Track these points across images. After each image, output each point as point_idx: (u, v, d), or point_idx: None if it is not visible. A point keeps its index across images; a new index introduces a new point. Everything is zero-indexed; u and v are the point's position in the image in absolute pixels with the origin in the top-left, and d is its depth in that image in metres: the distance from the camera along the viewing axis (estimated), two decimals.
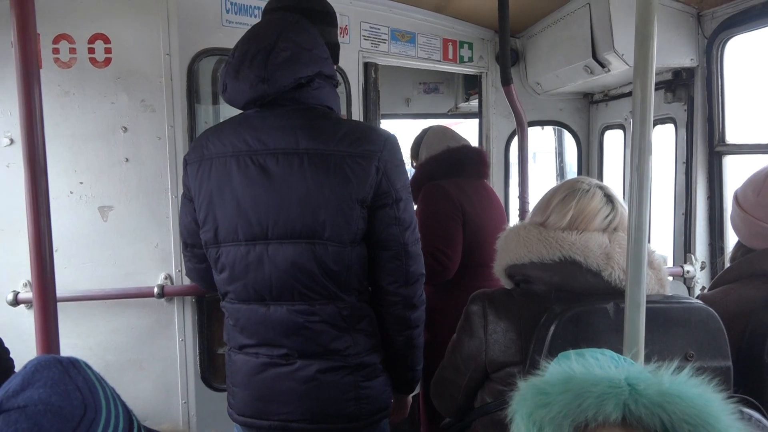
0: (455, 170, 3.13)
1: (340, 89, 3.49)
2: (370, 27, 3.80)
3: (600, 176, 4.51)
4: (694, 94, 3.33)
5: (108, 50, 2.89)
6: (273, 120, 1.95)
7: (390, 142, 1.97)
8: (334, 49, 2.14)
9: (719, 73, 3.22)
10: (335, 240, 1.91)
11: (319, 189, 1.88)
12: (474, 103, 5.52)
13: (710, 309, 1.75)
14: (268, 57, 1.87)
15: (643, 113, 1.53)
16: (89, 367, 1.06)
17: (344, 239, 1.92)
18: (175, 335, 3.03)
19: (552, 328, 1.68)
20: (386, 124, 6.47)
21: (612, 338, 1.67)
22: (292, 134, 1.92)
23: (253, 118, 1.97)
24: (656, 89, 3.47)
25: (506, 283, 1.93)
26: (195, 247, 2.14)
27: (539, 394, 0.96)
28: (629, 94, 3.94)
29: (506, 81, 3.55)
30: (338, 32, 2.20)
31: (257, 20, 3.16)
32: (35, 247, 1.76)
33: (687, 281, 3.45)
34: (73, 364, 1.03)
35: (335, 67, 2.12)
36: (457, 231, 2.98)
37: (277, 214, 1.91)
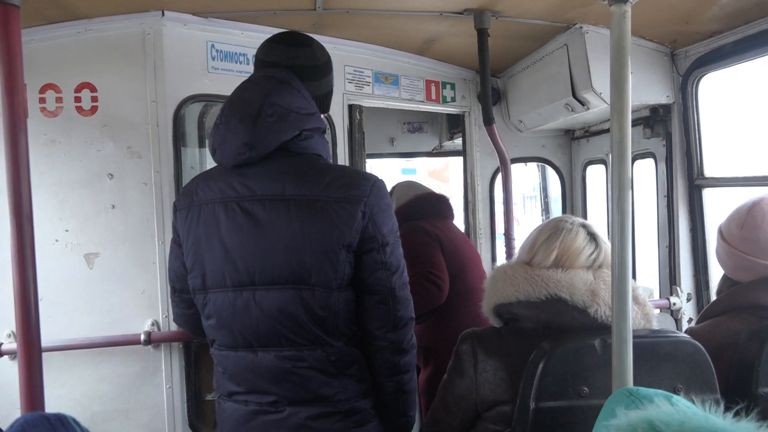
0: (424, 212, 3.47)
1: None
2: (354, 70, 3.87)
3: (584, 210, 4.56)
4: (671, 129, 3.41)
5: (94, 98, 2.93)
6: (261, 167, 1.96)
7: (377, 186, 1.97)
8: (324, 100, 2.15)
9: (695, 109, 3.31)
10: (322, 285, 1.91)
11: (305, 235, 1.89)
12: (458, 141, 5.57)
13: (696, 343, 1.77)
14: (254, 124, 1.89)
15: (621, 152, 1.58)
16: (77, 423, 1.05)
17: (331, 284, 1.92)
18: (163, 382, 2.99)
19: (541, 366, 1.69)
20: (372, 164, 6.52)
21: (600, 374, 1.68)
22: (279, 181, 1.93)
23: (242, 167, 1.98)
24: (635, 125, 3.55)
25: (495, 322, 1.95)
26: (183, 292, 2.13)
27: (652, 430, 0.97)
28: (609, 130, 4.03)
29: (488, 120, 3.61)
30: (332, 78, 2.18)
31: (242, 66, 3.26)
32: (20, 296, 1.75)
33: (674, 313, 3.47)
34: (61, 421, 1.02)
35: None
36: (440, 257, 3.19)
37: (264, 260, 1.91)
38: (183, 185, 2.97)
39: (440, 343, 3.04)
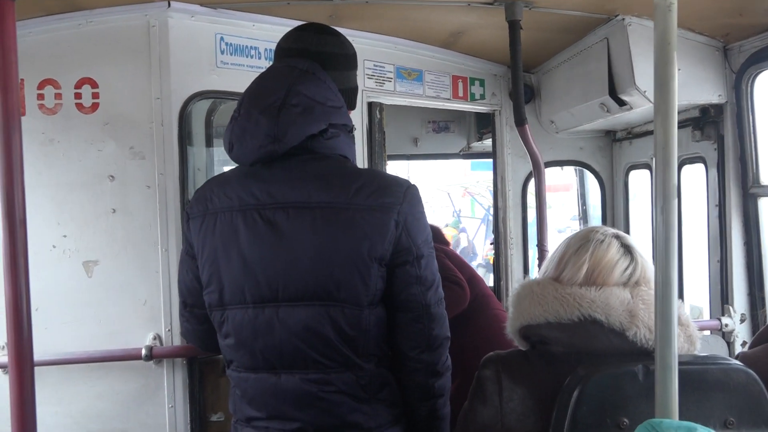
0: None
1: None
2: (374, 65, 3.87)
3: (626, 220, 4.50)
4: (723, 131, 3.34)
5: (95, 95, 2.96)
6: (283, 172, 1.95)
7: (410, 193, 1.96)
8: (350, 95, 2.14)
9: (750, 109, 3.24)
10: (351, 302, 1.90)
11: (333, 246, 1.88)
12: (487, 142, 5.55)
13: (750, 371, 1.71)
14: (278, 115, 1.88)
15: (666, 157, 1.54)
16: None
17: (361, 301, 1.91)
18: (165, 401, 3.00)
19: (576, 393, 1.65)
20: (393, 166, 6.51)
21: (642, 404, 1.64)
22: (303, 187, 1.92)
23: (261, 170, 1.97)
24: (683, 127, 3.49)
25: (521, 345, 1.91)
26: (195, 307, 2.12)
27: None
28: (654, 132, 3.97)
29: (520, 121, 3.58)
30: (356, 74, 2.20)
31: (253, 61, 3.28)
32: (12, 306, 1.77)
33: (726, 336, 3.40)
34: None
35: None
36: (452, 265, 3.33)
37: (288, 274, 1.89)
38: (189, 188, 3.02)
39: (466, 353, 3.02)
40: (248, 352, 1.96)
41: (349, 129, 2.06)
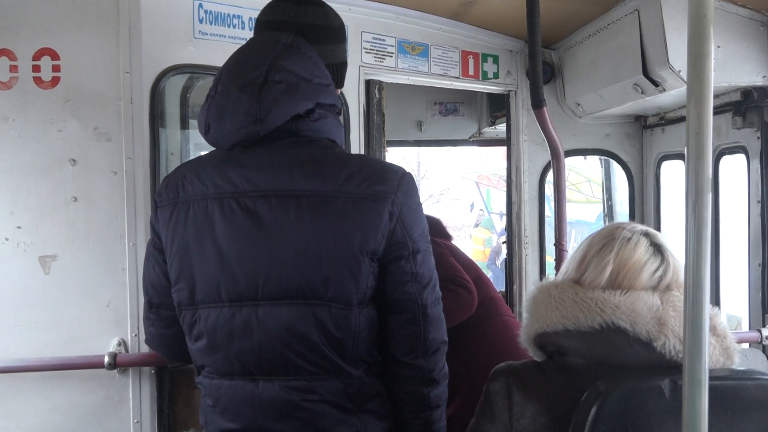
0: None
1: None
2: (374, 38, 3.87)
3: (657, 217, 4.51)
4: None
5: (56, 68, 2.95)
6: (265, 156, 1.97)
7: (405, 181, 1.99)
8: (339, 71, 2.17)
9: None
10: (340, 301, 1.92)
11: (320, 239, 1.90)
12: (501, 127, 5.57)
13: None
14: (259, 92, 1.90)
15: (699, 145, 1.54)
16: None
17: (351, 300, 1.93)
18: (130, 415, 3.00)
19: (594, 410, 1.66)
20: (394, 153, 6.52)
21: (668, 423, 1.65)
22: (287, 173, 1.94)
23: (240, 154, 2.00)
24: (721, 112, 3.50)
25: (536, 355, 1.92)
26: (162, 307, 2.14)
27: None
28: None
29: (537, 103, 3.58)
30: (346, 48, 2.23)
31: (236, 31, 3.28)
32: None
33: (766, 349, 3.41)
34: None
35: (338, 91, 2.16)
36: (457, 264, 3.31)
37: (269, 269, 1.92)
38: (160, 175, 3.01)
39: (472, 363, 3.06)
40: (222, 356, 1.98)
41: (338, 110, 2.09)
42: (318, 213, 1.91)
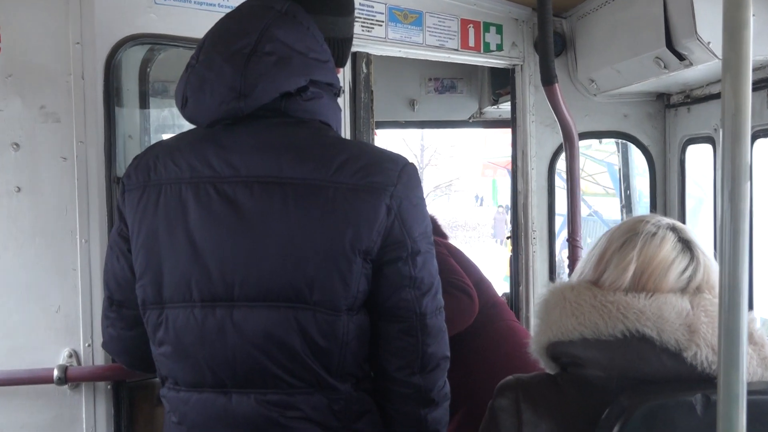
0: None
1: None
2: (360, 4, 3.86)
3: (681, 208, 4.53)
4: None
5: None
6: (248, 137, 1.98)
7: (407, 172, 2.00)
8: (341, 47, 2.18)
9: None
10: (326, 305, 1.93)
11: (307, 233, 1.91)
12: (505, 106, 5.56)
13: None
14: (246, 63, 1.91)
15: (737, 127, 1.54)
16: None
17: (339, 304, 1.94)
18: None
19: (617, 429, 1.66)
20: (383, 135, 6.51)
21: None
22: (273, 157, 1.95)
23: (221, 134, 2.00)
24: (757, 89, 3.51)
25: (548, 367, 1.93)
26: (124, 305, 2.14)
27: None
28: (719, 95, 3.98)
29: (548, 79, 3.58)
30: (352, 23, 2.24)
31: None
32: None
33: None
34: None
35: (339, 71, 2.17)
36: (457, 266, 3.35)
37: (248, 266, 1.92)
38: (117, 161, 3.00)
39: (474, 374, 3.10)
40: (191, 364, 1.98)
41: (336, 90, 2.10)
42: (306, 204, 1.91)
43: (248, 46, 1.92)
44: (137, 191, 2.04)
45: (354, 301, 1.96)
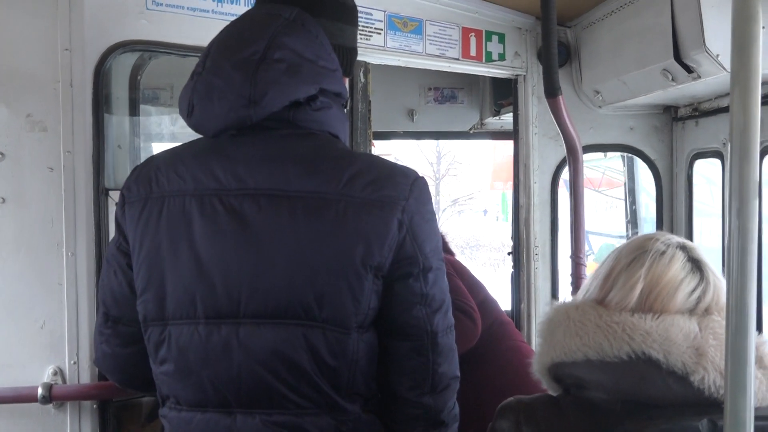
0: None
1: None
2: (358, 11, 3.85)
3: (689, 225, 4.53)
4: None
5: None
6: (255, 148, 1.99)
7: (418, 186, 2.02)
8: (347, 56, 2.20)
9: None
10: (336, 323, 1.94)
11: (316, 248, 1.92)
12: (507, 117, 5.57)
13: None
14: (256, 70, 1.93)
15: (745, 143, 1.55)
16: None
17: (349, 322, 1.94)
18: None
19: None
20: (382, 147, 6.51)
21: None
22: (281, 169, 1.96)
23: (227, 144, 2.01)
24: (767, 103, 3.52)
25: (551, 388, 1.93)
26: (121, 322, 2.13)
27: None
28: (728, 109, 3.99)
29: (552, 91, 3.59)
30: (356, 34, 2.27)
31: (197, 2, 3.24)
32: None
33: None
34: None
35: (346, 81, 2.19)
36: (462, 285, 3.36)
37: (255, 282, 1.93)
38: (106, 172, 3.00)
39: (480, 395, 3.09)
40: (194, 383, 1.98)
41: (344, 101, 2.12)
42: (315, 218, 1.92)
43: (257, 54, 1.94)
44: (138, 204, 2.04)
45: (364, 318, 1.96)
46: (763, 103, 3.24)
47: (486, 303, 3.50)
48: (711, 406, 1.73)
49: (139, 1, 3.11)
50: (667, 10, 3.42)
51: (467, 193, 27.03)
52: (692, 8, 3.25)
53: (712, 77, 3.42)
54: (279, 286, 1.92)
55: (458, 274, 3.46)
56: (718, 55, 3.22)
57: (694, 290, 1.86)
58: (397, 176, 2.00)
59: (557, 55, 3.71)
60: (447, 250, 3.73)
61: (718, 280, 1.88)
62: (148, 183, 2.04)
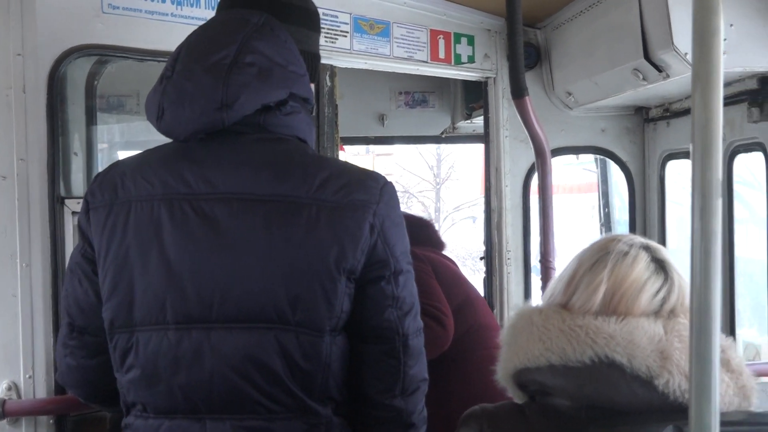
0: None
1: None
2: (324, 14, 3.84)
3: (661, 227, 4.56)
4: None
5: None
6: (225, 152, 2.01)
7: (387, 191, 2.07)
8: (313, 61, 2.25)
9: None
10: (310, 326, 1.96)
11: (290, 252, 1.94)
12: (479, 121, 5.58)
13: None
14: (228, 74, 1.95)
15: (707, 141, 1.54)
16: None
17: (322, 325, 1.97)
18: None
19: None
20: (351, 152, 6.50)
21: None
22: (252, 174, 1.98)
23: (196, 149, 2.03)
24: (735, 103, 3.54)
25: (516, 395, 1.91)
26: (87, 332, 2.12)
27: None
28: None
29: (518, 92, 3.59)
30: (319, 39, 2.33)
31: (156, 5, 3.22)
32: None
33: None
34: None
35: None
36: (437, 286, 3.32)
37: (227, 286, 1.94)
38: (60, 180, 2.98)
39: (450, 403, 3.01)
40: (163, 389, 1.98)
41: (311, 106, 2.18)
42: (287, 222, 1.95)
43: (228, 57, 1.98)
44: (103, 209, 2.04)
45: (337, 321, 1.99)
46: (733, 102, 3.27)
47: (466, 306, 3.45)
48: (677, 412, 1.71)
49: (95, 5, 3.08)
50: (636, 8, 3.44)
51: (471, 199, 23.83)
52: (659, 6, 3.27)
53: (681, 76, 3.44)
54: (252, 289, 1.94)
55: (437, 273, 3.41)
56: (686, 54, 3.24)
57: (658, 291, 1.84)
58: (367, 181, 2.04)
59: (526, 57, 3.72)
60: (435, 242, 3.72)
61: (684, 281, 1.87)
62: (113, 188, 2.05)
